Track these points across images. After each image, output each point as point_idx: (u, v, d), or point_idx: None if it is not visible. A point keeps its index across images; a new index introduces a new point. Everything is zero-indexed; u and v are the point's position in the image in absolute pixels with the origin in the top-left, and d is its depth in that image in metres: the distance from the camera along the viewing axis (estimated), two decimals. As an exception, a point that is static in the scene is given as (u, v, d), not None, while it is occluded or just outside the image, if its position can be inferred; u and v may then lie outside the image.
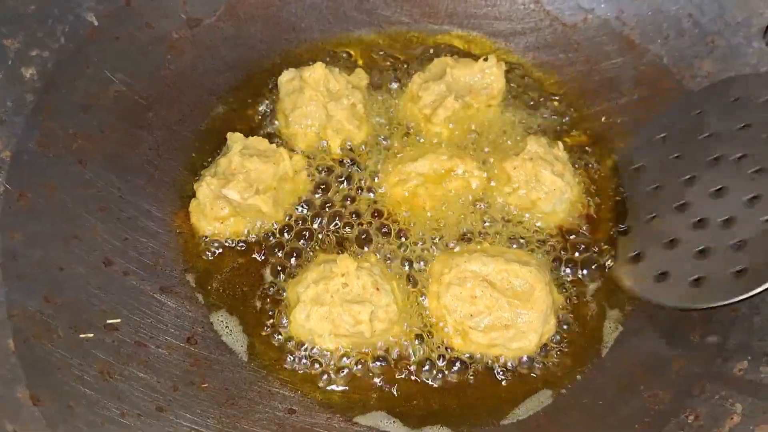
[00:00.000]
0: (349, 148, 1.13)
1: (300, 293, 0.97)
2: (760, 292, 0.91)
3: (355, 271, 0.97)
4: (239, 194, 1.03)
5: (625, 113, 1.16)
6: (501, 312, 0.97)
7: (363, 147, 1.14)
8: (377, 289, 0.97)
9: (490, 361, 0.98)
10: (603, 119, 1.17)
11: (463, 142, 1.14)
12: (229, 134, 1.09)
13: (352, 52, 1.24)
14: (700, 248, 1.00)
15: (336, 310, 0.95)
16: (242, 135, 1.09)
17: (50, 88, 1.04)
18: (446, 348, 0.99)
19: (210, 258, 1.05)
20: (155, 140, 1.11)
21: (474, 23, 1.24)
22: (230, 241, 1.06)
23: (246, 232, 1.06)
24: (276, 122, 1.16)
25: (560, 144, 1.10)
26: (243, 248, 1.06)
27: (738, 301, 0.93)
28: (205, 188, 1.03)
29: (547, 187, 1.06)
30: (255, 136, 1.10)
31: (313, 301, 0.96)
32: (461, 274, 0.99)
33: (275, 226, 1.07)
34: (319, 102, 1.11)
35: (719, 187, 1.01)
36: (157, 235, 1.04)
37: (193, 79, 1.17)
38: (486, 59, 1.14)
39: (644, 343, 1.00)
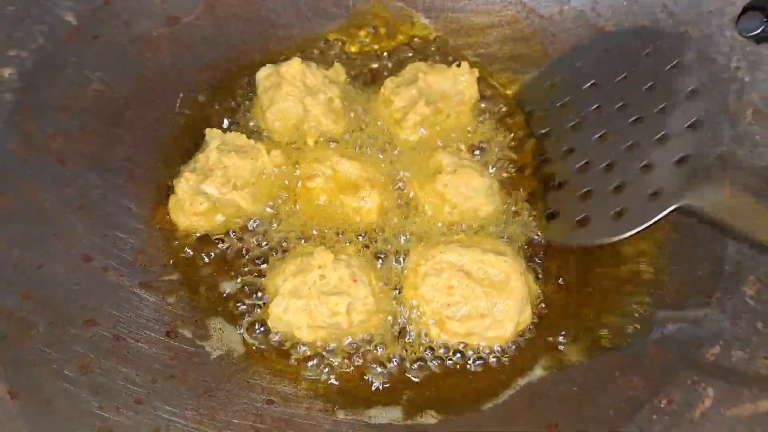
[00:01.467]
0: (327, 140, 1.14)
1: (278, 286, 0.99)
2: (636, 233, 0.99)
3: (332, 264, 0.98)
4: (217, 189, 1.05)
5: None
6: (477, 301, 0.98)
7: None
8: (354, 280, 0.98)
9: (467, 351, 1.00)
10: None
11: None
12: (207, 130, 1.11)
13: (331, 49, 1.25)
14: (585, 191, 1.07)
15: (313, 302, 0.96)
16: (220, 131, 1.10)
17: (29, 88, 1.06)
18: (424, 337, 1.00)
19: (189, 253, 1.06)
20: (134, 139, 1.12)
21: (452, 16, 1.25)
22: (209, 237, 1.07)
23: (224, 226, 1.07)
24: (254, 118, 1.17)
25: (462, 146, 1.14)
26: (222, 242, 1.07)
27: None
28: (183, 184, 1.04)
29: (483, 188, 1.08)
30: (233, 132, 1.11)
31: (291, 293, 0.97)
32: (437, 265, 1.00)
33: (255, 222, 1.08)
34: (296, 97, 1.12)
35: (602, 133, 1.09)
36: (136, 231, 1.06)
37: (172, 78, 1.18)
38: (459, 65, 1.16)
39: (619, 330, 1.01)
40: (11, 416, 0.82)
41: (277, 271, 1.02)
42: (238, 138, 1.10)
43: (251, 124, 1.17)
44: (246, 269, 1.05)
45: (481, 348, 1.00)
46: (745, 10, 1.07)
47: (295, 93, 1.12)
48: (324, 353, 0.99)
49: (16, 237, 0.97)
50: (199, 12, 1.21)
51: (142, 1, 1.17)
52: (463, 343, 1.00)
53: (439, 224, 1.09)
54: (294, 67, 1.12)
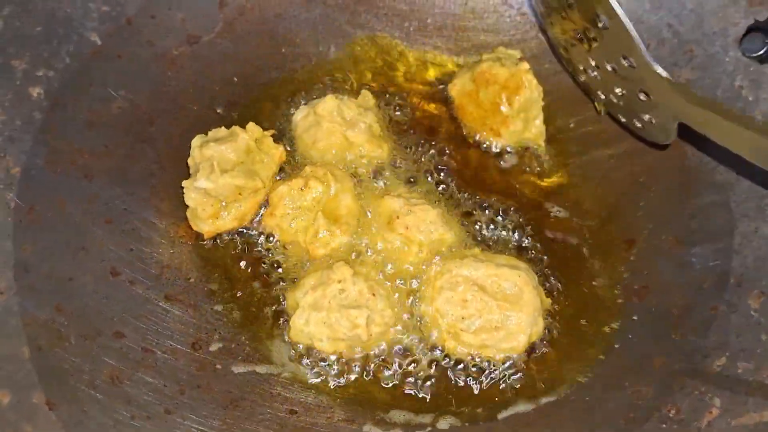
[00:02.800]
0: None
1: (299, 299, 1.02)
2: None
3: (352, 278, 1.01)
4: (208, 179, 1.07)
5: (609, 120, 1.20)
6: (491, 314, 1.01)
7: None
8: (373, 294, 1.02)
9: (483, 363, 1.03)
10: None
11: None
12: (192, 141, 1.12)
13: (348, 71, 1.28)
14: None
15: (333, 316, 1.00)
16: (202, 135, 1.12)
17: (56, 107, 1.09)
18: (439, 350, 1.03)
19: (212, 265, 1.09)
20: (157, 154, 1.15)
21: (462, 36, 1.28)
22: (230, 234, 1.11)
23: (242, 217, 1.10)
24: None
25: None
26: (243, 245, 1.10)
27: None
28: (188, 193, 1.07)
29: (438, 219, 1.11)
30: (213, 129, 1.13)
31: (312, 306, 1.01)
32: (453, 279, 1.03)
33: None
34: (337, 132, 1.15)
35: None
36: (160, 245, 1.09)
37: (193, 94, 1.21)
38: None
39: (628, 342, 1.04)
40: (50, 426, 0.85)
41: (298, 284, 1.05)
42: (217, 132, 1.13)
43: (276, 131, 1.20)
44: (267, 278, 1.09)
45: (494, 361, 1.03)
46: (749, 31, 1.10)
47: (335, 129, 1.15)
48: (344, 364, 1.02)
49: (46, 250, 1.00)
50: (218, 31, 1.24)
51: (164, 21, 1.20)
52: (478, 355, 1.03)
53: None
54: (330, 104, 1.15)
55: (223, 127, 1.13)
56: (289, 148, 1.18)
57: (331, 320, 1.00)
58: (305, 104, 1.19)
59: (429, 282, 1.06)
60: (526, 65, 1.19)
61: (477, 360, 1.03)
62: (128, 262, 1.05)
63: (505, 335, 1.02)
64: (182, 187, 1.10)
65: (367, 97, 1.21)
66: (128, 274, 1.04)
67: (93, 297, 1.00)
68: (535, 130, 1.20)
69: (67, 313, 0.96)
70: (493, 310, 1.01)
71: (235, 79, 1.24)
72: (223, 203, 1.08)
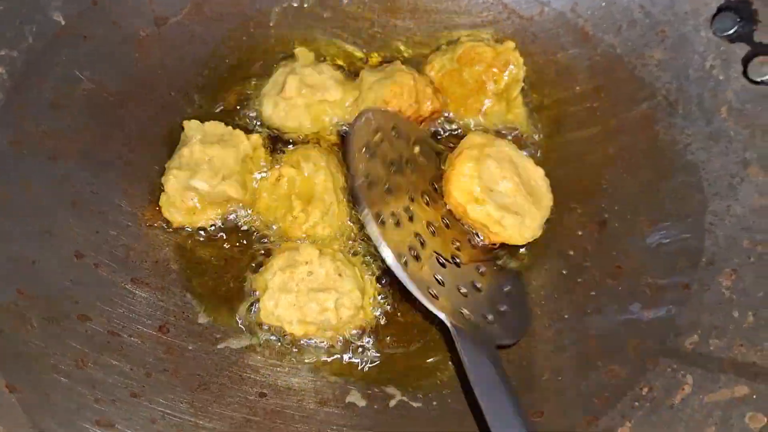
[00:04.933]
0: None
1: (267, 280, 1.01)
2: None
3: (318, 259, 1.00)
4: (207, 183, 1.06)
5: (581, 102, 1.20)
6: (518, 198, 1.05)
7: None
8: (340, 275, 1.00)
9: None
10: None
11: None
12: (185, 123, 1.12)
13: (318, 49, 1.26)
14: None
15: (302, 299, 0.99)
16: (198, 122, 1.11)
17: (20, 87, 1.06)
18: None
19: (181, 248, 1.08)
20: (125, 136, 1.13)
21: (435, 17, 1.27)
22: (203, 232, 1.09)
23: (216, 216, 1.09)
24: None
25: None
26: (213, 236, 1.09)
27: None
28: (172, 181, 1.05)
29: None
30: (211, 121, 1.12)
31: (280, 289, 0.99)
32: (499, 154, 1.07)
33: (246, 212, 1.10)
34: (313, 103, 1.15)
35: None
36: (127, 228, 1.07)
37: (161, 76, 1.19)
38: None
39: (600, 322, 1.04)
40: (10, 410, 0.83)
41: (266, 266, 1.04)
42: (216, 127, 1.12)
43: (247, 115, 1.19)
44: (238, 263, 1.07)
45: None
46: (720, 10, 1.10)
47: (310, 101, 1.15)
48: (314, 345, 1.01)
49: (10, 233, 0.98)
50: (186, 11, 1.22)
51: (130, 1, 1.17)
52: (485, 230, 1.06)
53: None
54: (291, 84, 1.14)
55: (222, 123, 1.12)
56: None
57: (300, 303, 0.99)
58: (267, 94, 1.17)
59: (474, 146, 1.08)
60: (511, 44, 1.19)
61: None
62: (94, 245, 1.03)
63: (519, 224, 1.05)
64: (151, 170, 1.08)
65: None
66: (94, 257, 1.02)
67: (57, 280, 0.98)
68: (517, 111, 1.20)
69: (30, 296, 0.94)
70: (521, 196, 1.05)
71: (206, 60, 1.22)
72: (205, 201, 1.07)
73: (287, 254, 1.02)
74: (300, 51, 1.20)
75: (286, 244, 1.07)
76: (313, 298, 0.99)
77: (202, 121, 1.13)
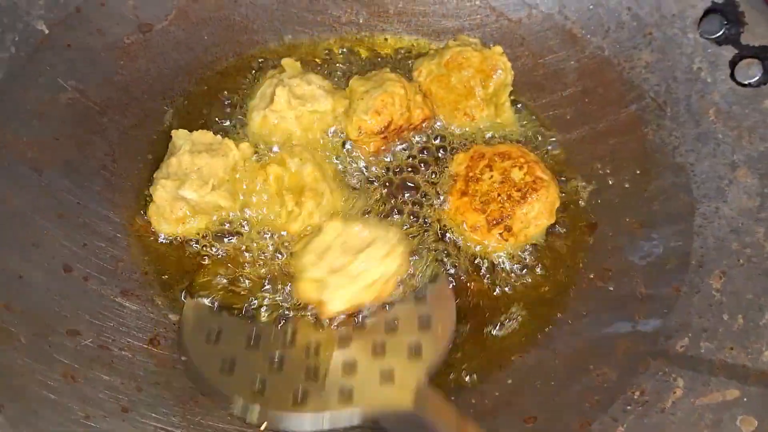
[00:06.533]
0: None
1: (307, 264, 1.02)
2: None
3: (344, 225, 1.04)
4: (196, 193, 1.05)
5: (570, 104, 1.20)
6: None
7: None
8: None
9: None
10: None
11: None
12: (173, 132, 1.10)
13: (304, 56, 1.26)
14: None
15: (354, 267, 1.00)
16: (186, 132, 1.10)
17: (2, 97, 1.05)
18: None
19: (170, 258, 1.07)
20: (110, 145, 1.12)
21: (423, 21, 1.27)
22: (192, 241, 1.08)
23: (206, 226, 1.08)
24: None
25: None
26: (203, 245, 1.08)
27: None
28: (161, 191, 1.04)
29: None
30: (200, 130, 1.11)
31: (331, 272, 1.00)
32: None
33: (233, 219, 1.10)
34: (303, 114, 1.14)
35: None
36: (115, 239, 1.06)
37: (146, 84, 1.18)
38: None
39: (591, 325, 1.04)
40: (-2, 428, 0.82)
41: (298, 253, 1.05)
42: (204, 136, 1.11)
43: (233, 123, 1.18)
44: (226, 272, 1.06)
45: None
46: (707, 13, 1.10)
47: (300, 112, 1.14)
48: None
49: (-5, 247, 0.97)
50: (171, 18, 1.21)
51: (114, 8, 1.16)
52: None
53: None
54: (281, 96, 1.13)
55: (210, 132, 1.11)
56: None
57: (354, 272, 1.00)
58: (256, 108, 1.16)
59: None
60: (499, 48, 1.19)
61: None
62: (82, 257, 1.02)
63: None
64: (137, 179, 1.07)
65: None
66: (82, 270, 1.01)
67: (45, 294, 0.96)
68: (505, 115, 1.20)
69: (17, 311, 0.93)
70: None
71: (191, 67, 1.21)
72: (195, 210, 1.07)
73: (316, 242, 1.02)
74: (287, 62, 1.19)
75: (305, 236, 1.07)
76: (363, 259, 1.00)
77: (189, 130, 1.11)
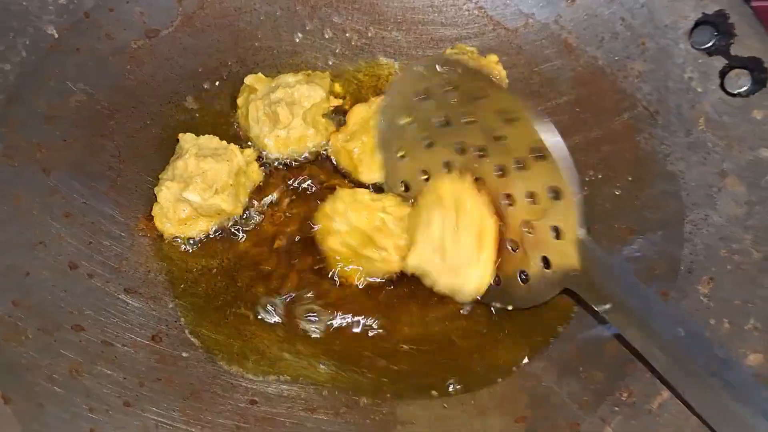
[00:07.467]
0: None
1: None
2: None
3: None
4: (200, 196, 1.07)
5: (564, 112, 1.22)
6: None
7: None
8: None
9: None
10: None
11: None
12: (180, 135, 1.13)
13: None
14: None
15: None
16: (194, 135, 1.13)
17: (13, 101, 1.08)
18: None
19: (173, 258, 1.10)
20: (117, 148, 1.14)
21: (422, 29, 1.29)
22: (193, 241, 1.11)
23: (207, 228, 1.11)
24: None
25: None
26: (206, 247, 1.11)
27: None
28: (165, 192, 1.07)
29: None
30: (206, 135, 1.13)
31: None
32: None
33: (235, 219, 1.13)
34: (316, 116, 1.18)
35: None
36: (120, 238, 1.09)
37: (153, 88, 1.20)
38: None
39: (581, 328, 1.06)
40: (4, 420, 0.85)
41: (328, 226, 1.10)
42: (211, 141, 1.13)
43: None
44: (228, 273, 1.09)
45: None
46: (697, 24, 1.12)
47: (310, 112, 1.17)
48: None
49: (3, 245, 1.00)
50: (177, 24, 1.23)
51: (122, 14, 1.19)
52: None
53: None
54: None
55: (217, 138, 1.13)
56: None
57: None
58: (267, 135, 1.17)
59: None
60: (495, 57, 1.20)
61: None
62: (87, 255, 1.05)
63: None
64: (142, 181, 1.10)
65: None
66: (87, 267, 1.04)
67: (51, 291, 0.99)
68: None
69: (25, 307, 0.96)
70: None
71: (197, 72, 1.24)
72: (198, 213, 1.09)
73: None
74: (253, 79, 1.20)
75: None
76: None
77: (195, 134, 1.14)
